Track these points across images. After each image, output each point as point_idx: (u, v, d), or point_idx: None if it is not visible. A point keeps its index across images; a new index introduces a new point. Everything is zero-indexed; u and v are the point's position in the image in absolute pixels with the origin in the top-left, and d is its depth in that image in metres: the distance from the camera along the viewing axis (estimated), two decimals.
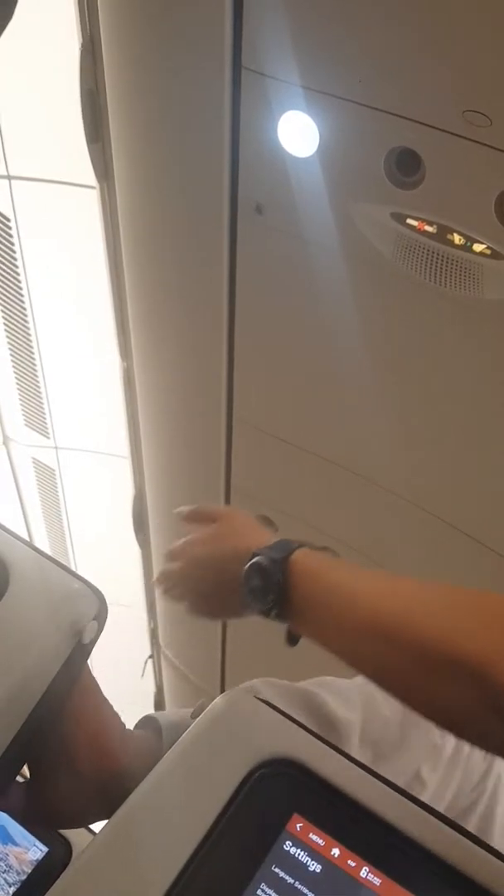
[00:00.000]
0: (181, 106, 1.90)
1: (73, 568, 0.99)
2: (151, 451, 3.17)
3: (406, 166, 1.72)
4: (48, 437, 3.71)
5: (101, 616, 0.97)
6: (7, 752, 0.87)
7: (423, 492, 2.31)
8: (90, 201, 2.51)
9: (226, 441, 2.67)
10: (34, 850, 1.57)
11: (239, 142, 1.85)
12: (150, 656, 4.56)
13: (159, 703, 4.94)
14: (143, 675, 4.67)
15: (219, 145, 1.86)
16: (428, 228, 1.78)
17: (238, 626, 3.52)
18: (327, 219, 1.85)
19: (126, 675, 4.72)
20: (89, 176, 2.43)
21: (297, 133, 1.74)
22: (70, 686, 0.95)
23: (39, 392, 3.46)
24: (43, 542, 4.48)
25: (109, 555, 4.21)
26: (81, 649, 0.95)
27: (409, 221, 1.78)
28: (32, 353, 3.27)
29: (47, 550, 2.50)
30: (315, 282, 2.01)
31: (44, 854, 1.56)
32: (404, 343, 2.03)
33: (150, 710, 5.04)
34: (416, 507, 2.33)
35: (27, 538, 3.48)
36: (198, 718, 0.88)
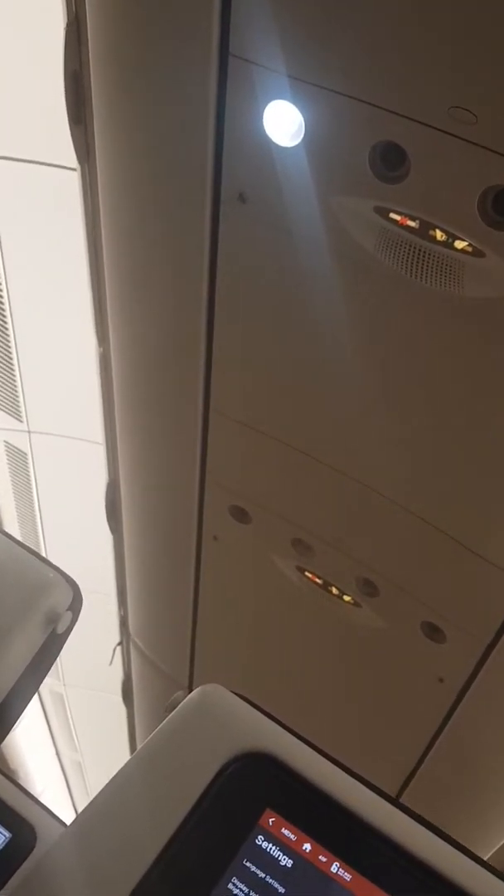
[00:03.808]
0: (166, 90, 1.88)
1: (43, 553, 0.98)
2: (126, 437, 3.15)
3: (391, 160, 1.71)
4: (21, 421, 3.68)
5: (75, 606, 0.97)
6: None
7: (402, 488, 2.32)
8: (71, 183, 2.48)
9: (202, 431, 2.66)
10: None
11: (224, 129, 1.83)
12: (120, 643, 4.55)
13: (127, 691, 4.93)
14: (111, 663, 4.66)
15: (203, 132, 1.84)
16: (410, 223, 1.78)
17: (208, 615, 3.52)
18: (310, 210, 1.84)
19: (95, 661, 4.70)
20: (70, 157, 2.40)
21: (283, 123, 1.73)
22: (43, 676, 0.94)
23: (14, 375, 3.42)
24: (13, 527, 4.45)
25: (81, 541, 4.19)
26: (55, 639, 0.94)
27: (392, 216, 1.77)
28: (7, 334, 3.23)
29: (17, 535, 2.47)
30: (296, 273, 2.00)
31: (7, 839, 1.55)
32: (385, 337, 2.03)
33: (118, 698, 5.03)
34: (393, 504, 2.34)
35: None
36: (173, 712, 0.88)
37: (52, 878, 0.80)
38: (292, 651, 3.35)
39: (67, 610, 0.95)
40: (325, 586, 2.87)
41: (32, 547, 0.97)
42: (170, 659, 4.04)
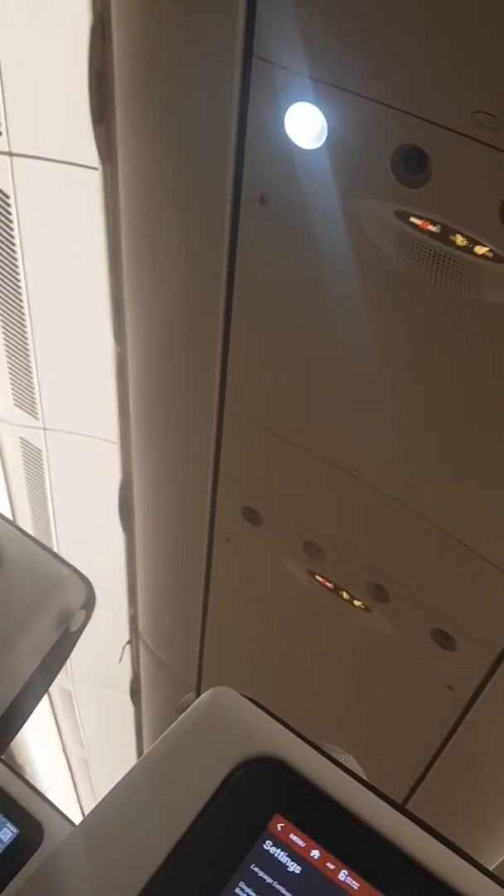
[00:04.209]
0: (189, 91, 1.88)
1: (55, 549, 0.98)
2: (141, 437, 3.15)
3: (413, 164, 1.71)
4: (37, 418, 3.69)
5: (89, 605, 0.97)
6: None
7: (416, 494, 2.31)
8: (92, 182, 2.48)
9: (216, 432, 2.66)
10: (4, 831, 1.57)
11: (246, 130, 1.83)
12: (129, 642, 4.56)
13: (135, 689, 4.94)
14: (120, 661, 4.67)
15: (225, 133, 1.84)
16: (431, 228, 1.77)
17: (218, 616, 3.52)
18: (330, 213, 1.83)
19: (104, 658, 4.71)
20: (92, 157, 2.40)
21: (305, 125, 1.73)
22: (55, 673, 0.94)
23: (30, 372, 3.44)
24: (27, 523, 4.46)
25: (92, 539, 4.20)
26: (68, 637, 0.94)
27: (413, 220, 1.77)
28: (25, 331, 3.25)
29: (31, 531, 2.48)
30: (315, 275, 2.00)
31: (14, 835, 1.55)
32: (402, 341, 2.02)
33: (126, 696, 5.03)
34: (407, 510, 2.33)
35: (11, 518, 3.47)
36: (183, 714, 0.87)
37: (57, 879, 0.80)
38: (301, 654, 3.34)
39: (81, 608, 0.95)
40: (336, 590, 2.86)
41: (51, 548, 0.97)
42: (178, 658, 4.05)
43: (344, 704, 3.31)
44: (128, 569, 4.12)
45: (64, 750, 7.23)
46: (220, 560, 3.22)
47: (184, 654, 3.91)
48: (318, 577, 2.88)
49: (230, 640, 3.64)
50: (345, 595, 2.84)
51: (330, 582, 2.86)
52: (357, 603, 2.81)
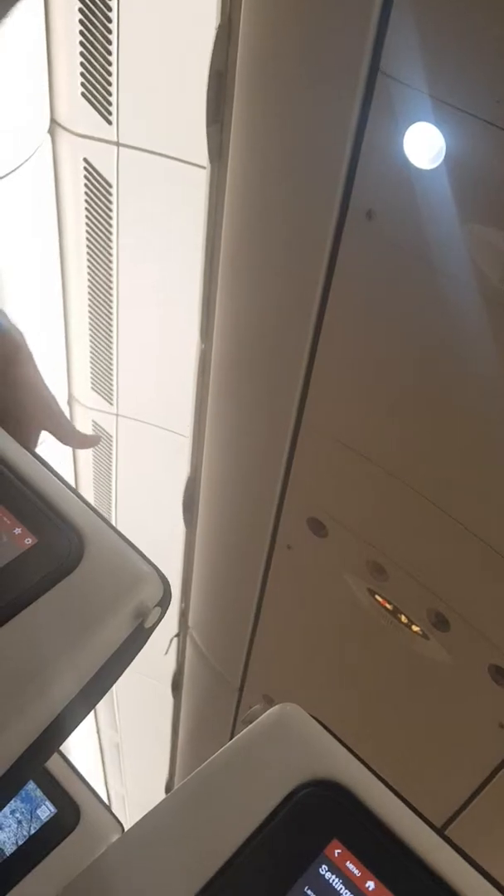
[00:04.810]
0: (309, 99, 1.87)
1: None
2: (214, 435, 3.17)
3: None
4: (111, 404, 3.74)
5: (164, 603, 0.96)
6: (50, 727, 0.87)
7: (495, 528, 2.25)
8: (197, 181, 2.50)
9: (291, 441, 2.65)
10: (43, 809, 1.59)
11: (361, 143, 1.82)
12: (177, 635, 4.58)
13: (177, 682, 4.97)
14: (166, 653, 4.70)
15: (341, 144, 1.83)
16: None
17: (270, 621, 3.51)
18: (438, 234, 1.81)
19: (150, 648, 4.74)
20: (201, 155, 2.42)
21: (424, 144, 1.71)
22: (124, 667, 0.95)
23: (111, 357, 3.49)
24: None
25: (152, 529, 4.23)
26: (142, 633, 0.94)
27: None
28: (111, 317, 3.29)
29: None
30: (414, 295, 1.97)
31: (52, 814, 1.57)
32: (500, 371, 1.98)
33: (167, 687, 5.03)
34: (483, 543, 2.28)
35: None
36: (249, 726, 0.87)
37: (102, 884, 0.80)
38: (349, 671, 3.31)
39: (156, 606, 0.95)
40: (395, 612, 2.82)
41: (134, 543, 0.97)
42: (224, 658, 4.05)
43: (387, 727, 3.26)
44: (184, 563, 4.15)
45: (98, 731, 7.32)
46: (278, 567, 3.22)
47: (230, 654, 3.91)
48: (377, 597, 2.85)
49: (279, 646, 3.62)
50: (403, 618, 2.80)
51: (389, 603, 2.82)
52: (415, 628, 2.77)
